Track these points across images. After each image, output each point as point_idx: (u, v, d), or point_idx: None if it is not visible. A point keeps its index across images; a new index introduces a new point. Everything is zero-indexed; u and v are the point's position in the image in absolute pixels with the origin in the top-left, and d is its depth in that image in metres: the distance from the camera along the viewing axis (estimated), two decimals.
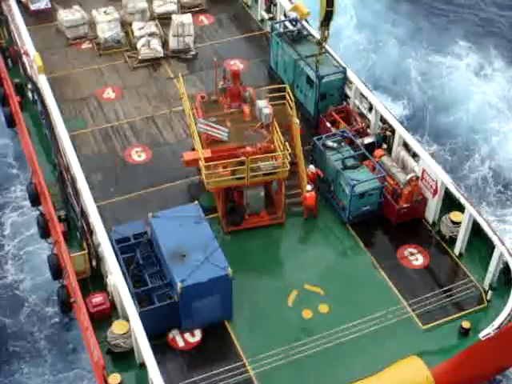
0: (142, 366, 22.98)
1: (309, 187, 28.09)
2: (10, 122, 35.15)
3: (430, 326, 24.92)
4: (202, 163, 26.60)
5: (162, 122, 33.25)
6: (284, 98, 29.95)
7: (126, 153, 31.66)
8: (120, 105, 34.23)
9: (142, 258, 25.03)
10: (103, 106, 34.08)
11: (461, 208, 27.10)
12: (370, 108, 31.47)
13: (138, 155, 31.59)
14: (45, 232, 29.20)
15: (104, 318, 24.61)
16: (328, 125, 31.56)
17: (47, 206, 28.85)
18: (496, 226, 31.93)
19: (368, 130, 31.22)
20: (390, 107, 34.40)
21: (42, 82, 31.70)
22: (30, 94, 34.25)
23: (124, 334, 23.59)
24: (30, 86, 33.94)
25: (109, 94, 34.91)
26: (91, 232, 26.17)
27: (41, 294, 30.19)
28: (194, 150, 30.66)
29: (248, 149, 27.13)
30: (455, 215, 27.55)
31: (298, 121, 29.01)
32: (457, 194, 26.55)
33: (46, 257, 28.16)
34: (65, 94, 34.69)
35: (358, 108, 32.17)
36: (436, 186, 27.50)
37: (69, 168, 27.92)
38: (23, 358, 28.34)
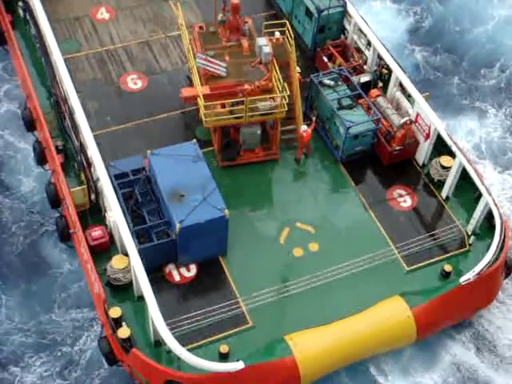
0: (140, 298, 24.17)
1: (304, 127, 28.50)
2: (0, 38, 34.48)
3: (413, 267, 26.21)
4: (200, 102, 26.74)
5: (157, 48, 32.92)
6: (283, 30, 29.70)
7: (121, 80, 31.54)
8: (114, 27, 33.70)
9: (140, 194, 25.65)
10: (97, 28, 33.53)
11: (451, 152, 27.84)
12: (368, 44, 31.43)
13: (133, 82, 31.49)
14: (41, 159, 29.53)
15: (103, 250, 25.52)
16: (325, 59, 31.60)
17: (43, 133, 29.03)
18: None
19: (365, 67, 31.31)
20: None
21: (35, 3, 30.91)
22: (21, 13, 33.43)
23: (123, 268, 24.59)
24: (21, 3, 33.08)
25: (102, 14, 34.26)
26: (90, 165, 26.55)
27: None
28: (189, 79, 30.76)
29: (246, 86, 27.24)
30: (445, 160, 28.31)
31: (299, 69, 29.19)
32: (449, 142, 27.15)
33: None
34: (57, 12, 33.98)
35: (356, 43, 32.08)
36: (429, 131, 28.08)
37: (66, 99, 27.86)
38: None
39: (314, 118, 28.94)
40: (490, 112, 35.63)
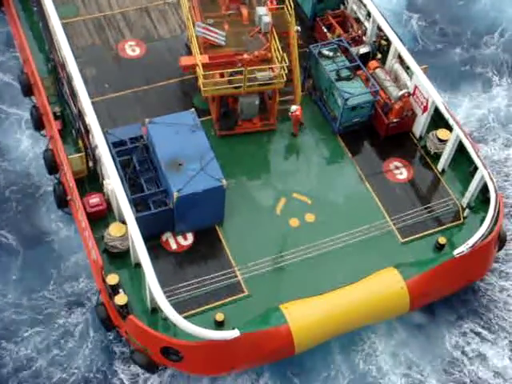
0: (137, 266, 24.40)
1: (294, 107, 28.49)
2: None
3: (408, 239, 26.47)
4: (199, 71, 26.66)
5: (156, 15, 32.68)
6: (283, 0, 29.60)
7: (119, 46, 31.37)
8: None
9: (137, 162, 25.68)
10: None
11: (448, 125, 27.90)
12: (368, 15, 31.24)
13: (131, 49, 31.34)
14: (38, 124, 29.45)
15: (100, 218, 25.64)
16: (324, 29, 31.46)
17: (41, 99, 28.92)
18: None
19: (364, 38, 31.17)
20: None
21: None
22: None
23: (121, 236, 24.76)
24: None
25: None
26: (88, 132, 26.51)
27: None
28: (188, 47, 30.60)
29: (245, 56, 27.14)
30: (442, 133, 28.42)
31: (298, 28, 29.06)
32: (446, 115, 27.22)
33: None
34: None
35: (355, 14, 31.89)
36: (426, 104, 28.11)
37: (64, 65, 27.69)
38: None
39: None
40: (493, 81, 35.53)
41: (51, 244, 28.16)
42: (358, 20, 31.75)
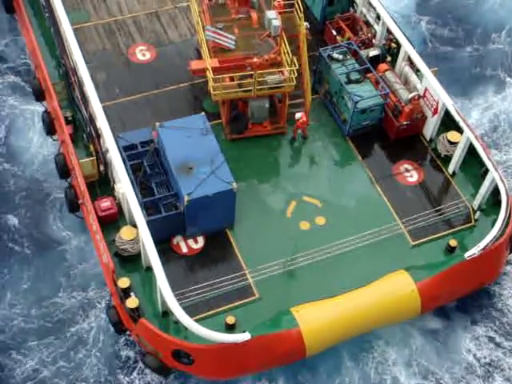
0: (148, 269, 24.51)
1: (298, 114, 28.48)
2: (9, 7, 34.44)
3: (419, 242, 26.40)
4: (209, 75, 26.76)
5: (166, 19, 32.85)
6: (292, 3, 29.59)
7: (130, 51, 31.54)
8: None
9: (148, 166, 25.81)
10: None
11: (458, 127, 27.86)
12: (377, 17, 31.25)
13: (142, 54, 31.51)
14: (50, 129, 29.67)
15: (111, 221, 25.77)
16: (334, 32, 31.50)
17: (52, 104, 29.14)
18: None
19: (373, 41, 31.18)
20: None
21: None
22: None
23: (132, 239, 24.86)
24: None
25: None
26: (99, 137, 26.68)
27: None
28: (198, 51, 30.74)
29: (255, 60, 27.22)
30: (452, 135, 28.35)
31: (307, 25, 29.13)
32: (457, 117, 27.16)
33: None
34: None
35: (365, 16, 31.92)
36: (437, 106, 28.07)
37: (75, 70, 27.88)
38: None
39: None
40: (505, 83, 35.28)
41: (61, 253, 28.20)
42: (367, 23, 31.79)
